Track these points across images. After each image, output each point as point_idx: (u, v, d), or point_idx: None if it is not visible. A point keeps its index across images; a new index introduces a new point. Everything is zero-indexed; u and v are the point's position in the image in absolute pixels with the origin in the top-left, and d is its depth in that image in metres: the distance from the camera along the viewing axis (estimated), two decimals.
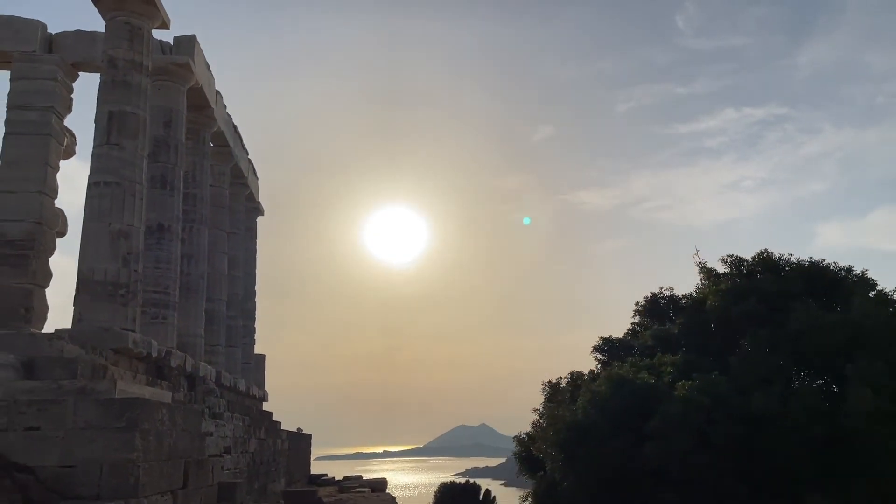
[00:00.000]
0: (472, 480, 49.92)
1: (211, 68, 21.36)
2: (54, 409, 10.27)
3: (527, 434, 27.75)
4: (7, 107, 18.10)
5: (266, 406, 29.78)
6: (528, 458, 27.51)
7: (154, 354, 15.87)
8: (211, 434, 16.15)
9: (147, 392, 12.36)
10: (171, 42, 19.40)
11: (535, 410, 28.40)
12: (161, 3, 16.49)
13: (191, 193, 20.37)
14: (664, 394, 21.55)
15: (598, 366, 28.86)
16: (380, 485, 29.41)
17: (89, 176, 15.48)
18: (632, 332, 29.27)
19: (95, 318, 14.50)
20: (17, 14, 18.74)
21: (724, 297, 23.93)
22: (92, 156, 15.57)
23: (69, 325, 14.68)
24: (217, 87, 22.24)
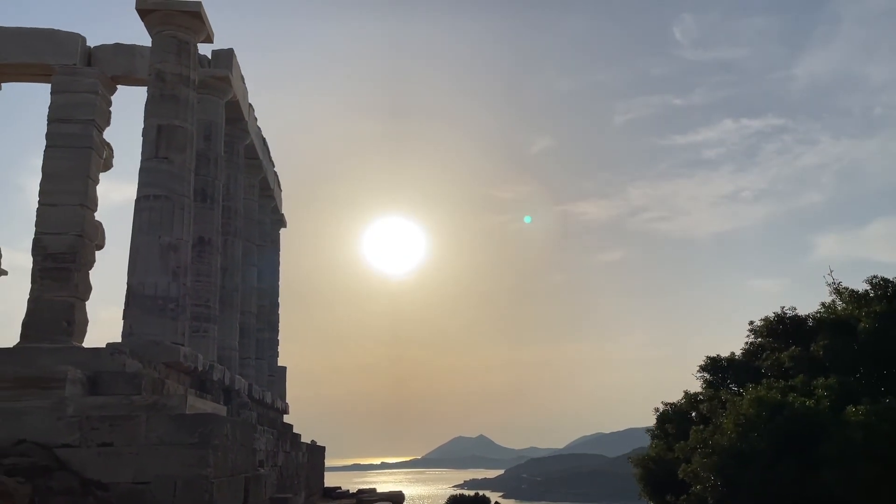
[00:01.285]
0: (481, 493, 49.80)
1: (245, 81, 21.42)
2: (127, 425, 10.26)
3: (652, 456, 26.52)
4: (48, 120, 18.10)
5: (286, 419, 29.71)
6: (653, 480, 26.39)
7: (199, 368, 15.83)
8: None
9: (209, 407, 12.34)
10: (209, 55, 19.48)
11: (650, 432, 27.48)
12: (207, 18, 16.55)
13: (226, 206, 20.38)
14: (827, 419, 20.67)
15: (704, 386, 27.70)
16: (397, 498, 29.29)
17: (138, 189, 15.49)
18: (750, 353, 27.92)
19: (146, 331, 14.46)
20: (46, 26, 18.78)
21: (879, 320, 22.99)
22: (140, 169, 15.59)
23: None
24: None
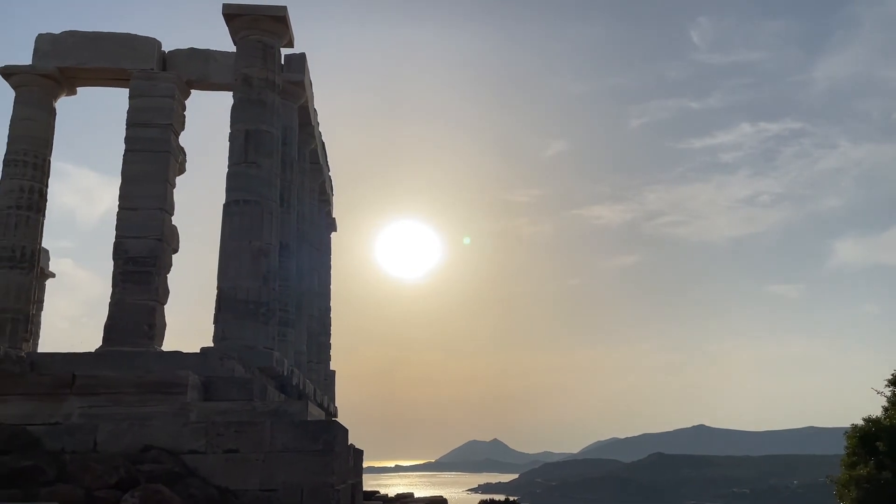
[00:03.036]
0: (511, 497, 49.61)
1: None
2: (252, 431, 10.23)
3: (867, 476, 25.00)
4: (127, 124, 18.17)
5: None
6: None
7: (284, 373, 15.81)
8: None
9: (315, 412, 12.30)
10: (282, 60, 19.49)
11: (848, 450, 26.22)
12: (290, 23, 16.56)
13: (297, 210, 20.39)
14: None
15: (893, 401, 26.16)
16: (439, 502, 29.11)
17: (227, 194, 15.50)
18: None
19: (239, 336, 14.43)
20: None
21: None
22: (228, 174, 15.60)
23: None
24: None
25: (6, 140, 18.02)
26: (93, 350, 15.49)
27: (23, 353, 12.22)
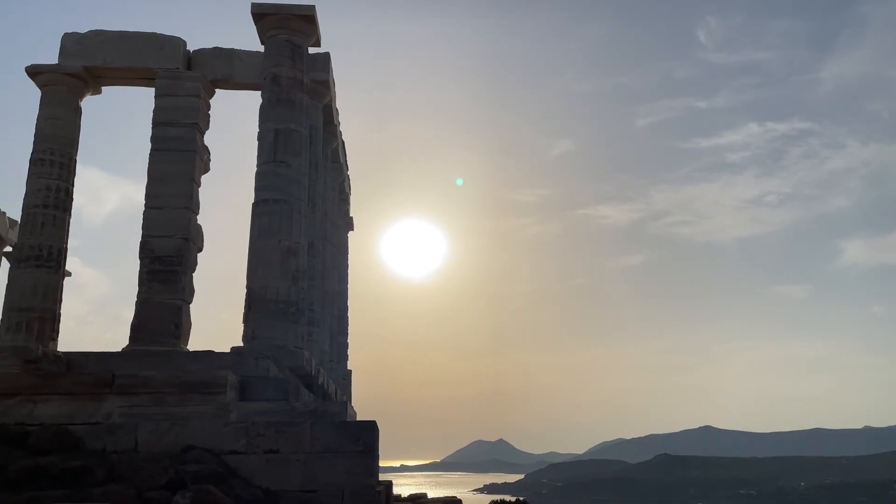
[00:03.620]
0: (520, 498, 49.49)
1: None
2: (292, 432, 10.19)
3: None
4: (152, 123, 18.15)
5: None
6: None
7: (312, 372, 15.78)
8: None
9: (351, 413, 12.27)
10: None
11: None
12: (318, 22, 16.53)
13: (321, 210, 20.36)
14: None
15: None
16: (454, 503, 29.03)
17: (255, 193, 15.48)
18: None
19: (270, 335, 14.38)
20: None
21: None
22: (257, 173, 15.58)
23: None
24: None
25: (32, 139, 18.03)
26: (120, 349, 15.52)
27: (60, 353, 12.20)
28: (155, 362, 11.66)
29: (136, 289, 17.04)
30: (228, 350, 13.88)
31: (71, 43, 18.38)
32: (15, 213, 30.71)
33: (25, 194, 17.72)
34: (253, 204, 15.48)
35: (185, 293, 17.49)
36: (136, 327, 16.79)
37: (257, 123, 16.08)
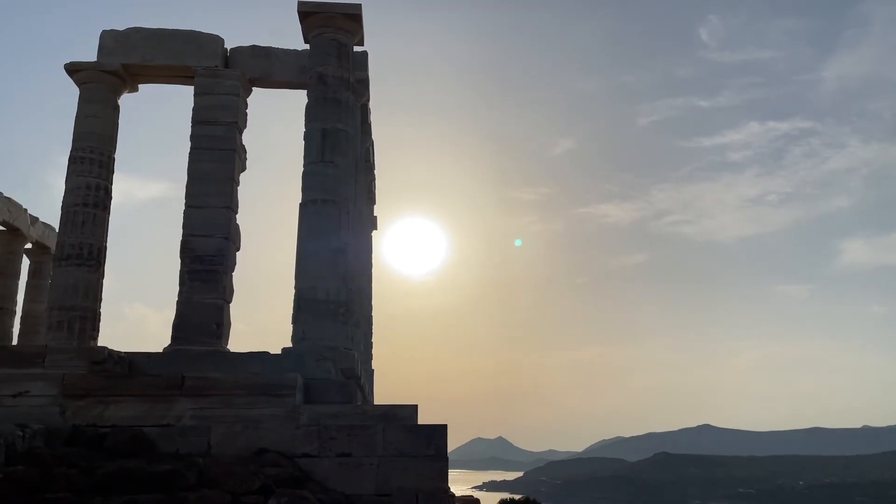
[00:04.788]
0: (531, 497, 49.54)
1: None
2: (364, 435, 10.14)
3: None
4: (192, 121, 18.06)
5: None
6: None
7: (358, 373, 15.72)
8: None
9: None
10: None
11: None
12: (363, 21, 16.44)
13: (357, 209, 20.27)
14: None
15: None
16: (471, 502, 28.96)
17: (303, 193, 15.41)
18: None
19: (320, 336, 14.29)
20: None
21: None
22: (304, 173, 15.50)
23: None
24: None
25: (71, 137, 17.94)
26: (161, 349, 15.46)
27: (123, 354, 12.13)
28: (218, 364, 11.58)
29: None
30: (280, 351, 13.84)
31: (110, 40, 18.28)
32: (35, 209, 30.61)
33: (65, 192, 17.63)
34: (300, 204, 15.40)
35: (226, 293, 17.41)
36: (177, 327, 16.69)
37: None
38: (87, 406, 10.29)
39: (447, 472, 9.90)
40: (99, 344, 17.04)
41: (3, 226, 28.70)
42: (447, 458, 9.99)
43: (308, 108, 15.86)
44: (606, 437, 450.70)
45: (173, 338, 16.64)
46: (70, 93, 19.01)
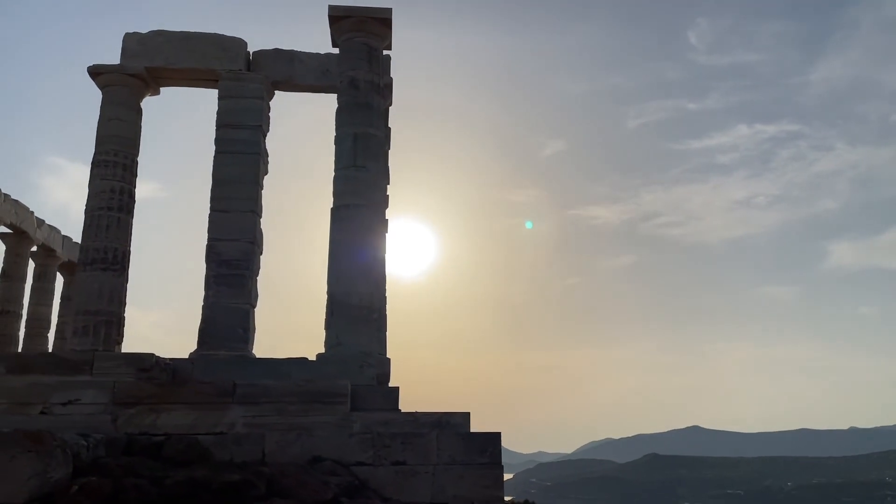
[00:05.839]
0: (529, 500, 49.61)
1: None
2: (418, 443, 10.09)
3: None
4: (217, 125, 17.97)
5: None
6: None
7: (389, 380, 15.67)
8: None
9: None
10: None
11: None
12: (392, 25, 16.40)
13: None
14: None
15: None
16: None
17: (335, 198, 15.34)
18: None
19: (354, 341, 14.19)
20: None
21: None
22: (336, 178, 15.43)
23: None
24: None
25: (94, 141, 17.79)
26: (187, 355, 15.34)
27: (168, 361, 12.00)
28: (263, 370, 11.48)
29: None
30: (314, 357, 13.77)
31: (133, 43, 18.15)
32: (42, 211, 30.30)
33: (88, 196, 17.48)
34: (332, 209, 15.33)
35: (252, 297, 17.33)
36: (203, 331, 16.60)
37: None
38: (139, 414, 10.17)
39: (503, 480, 9.88)
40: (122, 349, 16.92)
41: (9, 228, 28.49)
42: (502, 465, 9.96)
43: (339, 112, 15.80)
44: (596, 439, 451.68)
45: (199, 342, 16.54)
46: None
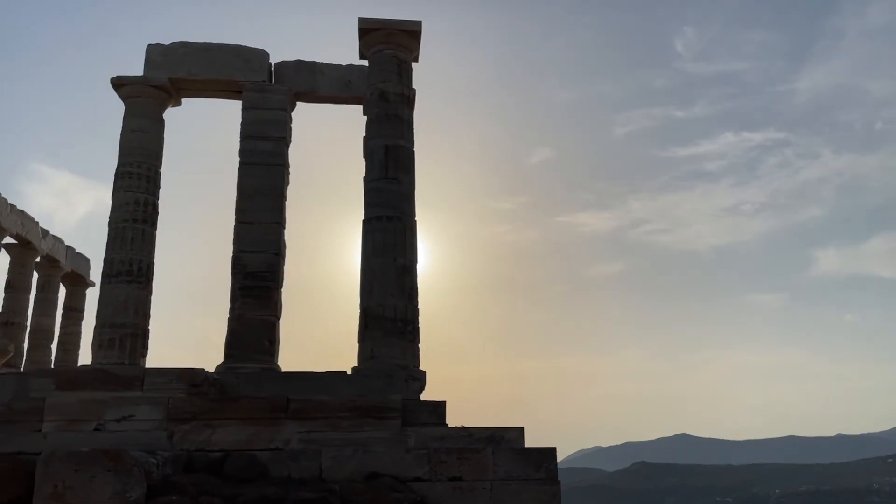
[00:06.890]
0: None
1: None
2: (474, 459, 10.07)
3: None
4: (241, 136, 17.91)
5: None
6: None
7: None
8: None
9: None
10: None
11: None
12: (420, 38, 16.44)
13: None
14: None
15: None
16: None
17: (366, 210, 15.33)
18: None
19: (389, 354, 14.13)
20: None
21: None
22: (367, 190, 15.43)
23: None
24: None
25: (117, 152, 17.66)
26: (214, 368, 15.21)
27: (217, 376, 11.87)
28: (305, 384, 11.39)
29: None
30: (350, 370, 13.70)
31: (156, 54, 18.07)
32: (46, 223, 30.08)
33: (112, 208, 17.34)
34: (364, 220, 15.31)
35: (277, 309, 17.24)
36: (230, 344, 16.46)
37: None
38: (194, 430, 10.05)
39: (560, 496, 9.85)
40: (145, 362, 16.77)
41: (15, 239, 28.19)
42: (559, 482, 9.93)
43: (369, 124, 15.81)
44: (584, 447, 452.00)
45: (226, 355, 16.40)
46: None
